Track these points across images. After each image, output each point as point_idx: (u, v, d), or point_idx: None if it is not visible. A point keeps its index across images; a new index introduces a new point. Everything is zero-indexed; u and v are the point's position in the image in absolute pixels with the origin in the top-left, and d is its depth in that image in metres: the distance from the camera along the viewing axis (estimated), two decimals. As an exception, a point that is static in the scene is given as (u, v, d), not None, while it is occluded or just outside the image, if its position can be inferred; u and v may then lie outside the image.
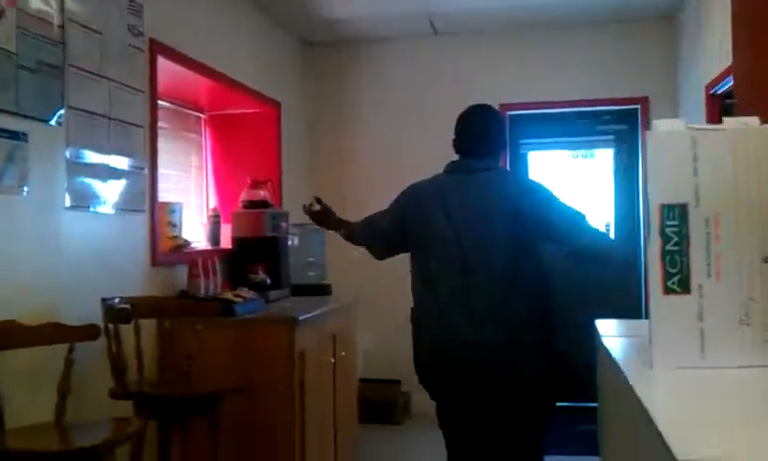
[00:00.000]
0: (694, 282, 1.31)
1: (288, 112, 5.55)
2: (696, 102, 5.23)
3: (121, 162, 3.53)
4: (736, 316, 1.32)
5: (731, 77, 4.49)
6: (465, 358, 2.73)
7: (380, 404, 5.70)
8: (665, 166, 1.35)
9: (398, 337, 6.00)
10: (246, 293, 4.08)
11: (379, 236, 3.16)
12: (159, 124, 3.92)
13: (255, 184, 4.65)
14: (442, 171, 3.03)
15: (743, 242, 1.31)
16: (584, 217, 2.83)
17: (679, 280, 1.32)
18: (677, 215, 1.32)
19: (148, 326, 3.50)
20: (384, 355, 5.95)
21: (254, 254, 4.52)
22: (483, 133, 2.97)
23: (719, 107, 4.93)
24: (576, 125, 6.26)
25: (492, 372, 2.71)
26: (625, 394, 1.27)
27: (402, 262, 6.17)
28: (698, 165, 1.33)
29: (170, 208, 4.08)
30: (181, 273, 3.99)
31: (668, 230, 1.32)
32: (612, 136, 6.29)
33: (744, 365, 1.30)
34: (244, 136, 5.16)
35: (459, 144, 2.98)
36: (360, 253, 5.39)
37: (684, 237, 1.32)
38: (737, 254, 1.31)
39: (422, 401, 5.87)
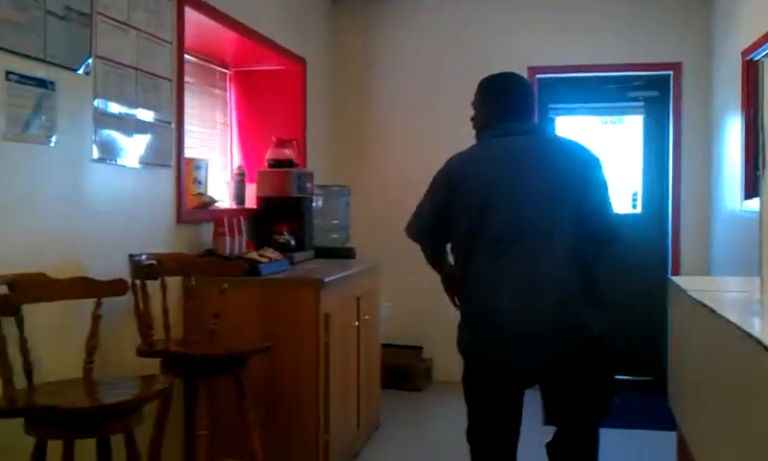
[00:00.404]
0: None
1: (313, 70, 5.45)
2: (731, 68, 5.10)
3: (148, 115, 3.44)
4: None
5: (769, 43, 4.38)
6: (526, 323, 2.62)
7: (401, 370, 5.66)
8: None
9: (421, 303, 5.98)
10: (271, 253, 4.02)
11: (430, 220, 2.88)
12: (185, 78, 3.83)
13: (281, 143, 4.56)
14: (478, 142, 2.94)
15: None
16: (613, 211, 2.80)
17: None
18: None
19: (173, 283, 3.45)
20: (406, 321, 5.90)
21: (279, 214, 4.45)
22: (525, 98, 2.91)
23: (756, 74, 4.81)
24: (606, 90, 6.13)
25: (555, 333, 2.62)
26: (745, 348, 1.15)
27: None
28: None
29: (195, 165, 4.01)
30: (206, 231, 3.92)
31: None
32: (642, 103, 6.16)
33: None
34: (269, 94, 5.05)
35: (503, 108, 2.86)
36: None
37: None
38: None
39: (444, 368, 5.88)
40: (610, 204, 2.77)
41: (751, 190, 4.79)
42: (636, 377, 5.86)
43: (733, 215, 5.11)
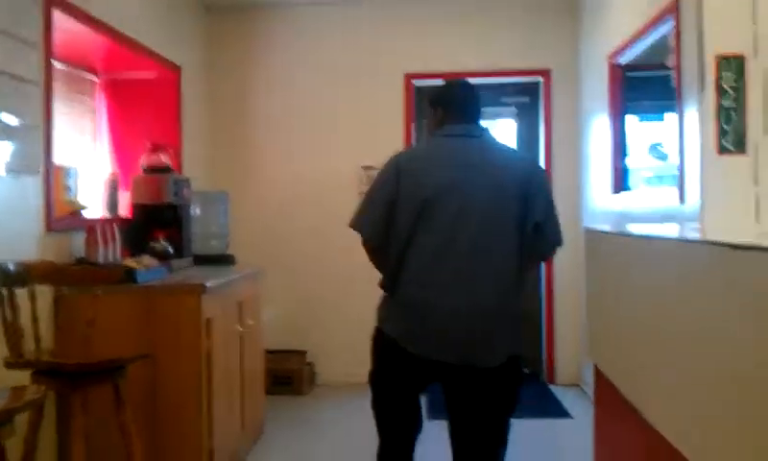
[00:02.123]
0: (750, 141, 1.24)
1: (189, 77, 5.36)
2: (598, 72, 5.33)
3: (13, 120, 3.31)
4: None
5: (633, 46, 4.60)
6: (459, 323, 2.63)
7: (285, 375, 5.63)
8: (722, 13, 1.27)
9: (303, 308, 5.98)
10: (148, 261, 3.92)
11: (380, 213, 2.79)
12: (53, 85, 3.70)
13: (156, 149, 4.45)
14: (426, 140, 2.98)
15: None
16: (556, 225, 2.85)
17: (734, 139, 1.25)
18: (734, 67, 1.25)
19: (44, 293, 3.31)
20: (288, 326, 5.89)
21: (156, 221, 4.35)
22: (474, 102, 2.94)
23: (621, 77, 5.05)
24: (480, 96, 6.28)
25: (485, 343, 2.65)
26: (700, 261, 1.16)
27: (305, 236, 6.11)
28: (757, 11, 1.25)
29: (65, 172, 3.87)
30: (78, 240, 3.80)
31: (724, 83, 1.25)
32: (514, 108, 6.36)
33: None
34: (143, 101, 4.94)
35: (453, 110, 2.88)
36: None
37: (740, 92, 1.25)
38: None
39: (328, 372, 5.89)
40: (554, 217, 2.80)
41: (619, 186, 5.02)
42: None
43: (603, 211, 5.33)
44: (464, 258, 2.65)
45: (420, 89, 6.05)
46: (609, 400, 2.20)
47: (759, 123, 1.26)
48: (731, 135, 1.25)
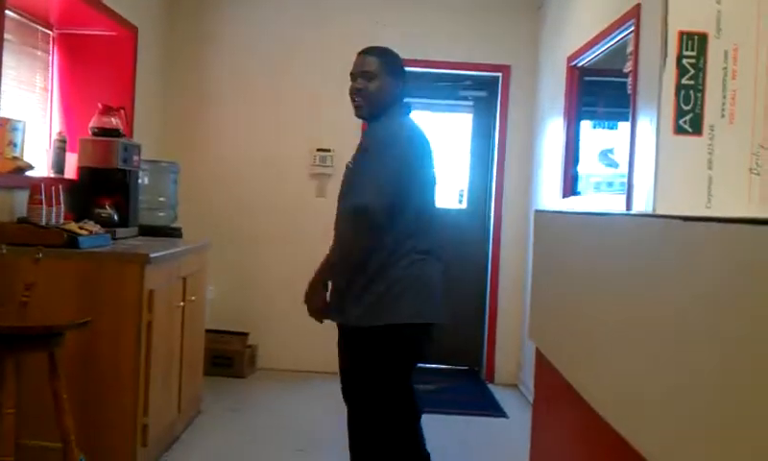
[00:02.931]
0: (706, 123, 1.24)
1: (146, 39, 5.20)
2: (556, 73, 5.34)
3: (-41, 67, 3.15)
4: (746, 164, 1.25)
5: (592, 49, 4.62)
6: (440, 287, 2.91)
7: (225, 356, 5.53)
8: None
9: (247, 289, 5.88)
10: (92, 226, 3.79)
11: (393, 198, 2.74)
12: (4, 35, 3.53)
13: (107, 111, 4.29)
14: (400, 117, 2.96)
15: (760, 80, 1.24)
16: None
17: (691, 120, 1.24)
18: (696, 45, 1.24)
19: (-20, 251, 3.17)
20: (231, 306, 5.79)
21: (102, 186, 4.20)
22: None
23: (579, 79, 5.07)
24: (438, 88, 6.27)
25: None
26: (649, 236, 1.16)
27: (255, 215, 6.01)
28: None
29: (12, 126, 3.71)
30: (21, 198, 3.64)
31: (685, 60, 1.24)
32: (471, 102, 6.35)
33: (750, 217, 1.24)
34: (96, 60, 4.75)
35: (406, 88, 3.03)
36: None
37: (700, 70, 1.24)
38: (753, 95, 1.24)
39: (269, 355, 5.80)
40: None
41: (568, 190, 5.04)
42: (453, 366, 6.08)
43: (552, 213, 5.35)
44: (435, 235, 2.91)
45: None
46: (549, 382, 2.21)
47: (717, 105, 1.24)
48: (688, 115, 1.23)
